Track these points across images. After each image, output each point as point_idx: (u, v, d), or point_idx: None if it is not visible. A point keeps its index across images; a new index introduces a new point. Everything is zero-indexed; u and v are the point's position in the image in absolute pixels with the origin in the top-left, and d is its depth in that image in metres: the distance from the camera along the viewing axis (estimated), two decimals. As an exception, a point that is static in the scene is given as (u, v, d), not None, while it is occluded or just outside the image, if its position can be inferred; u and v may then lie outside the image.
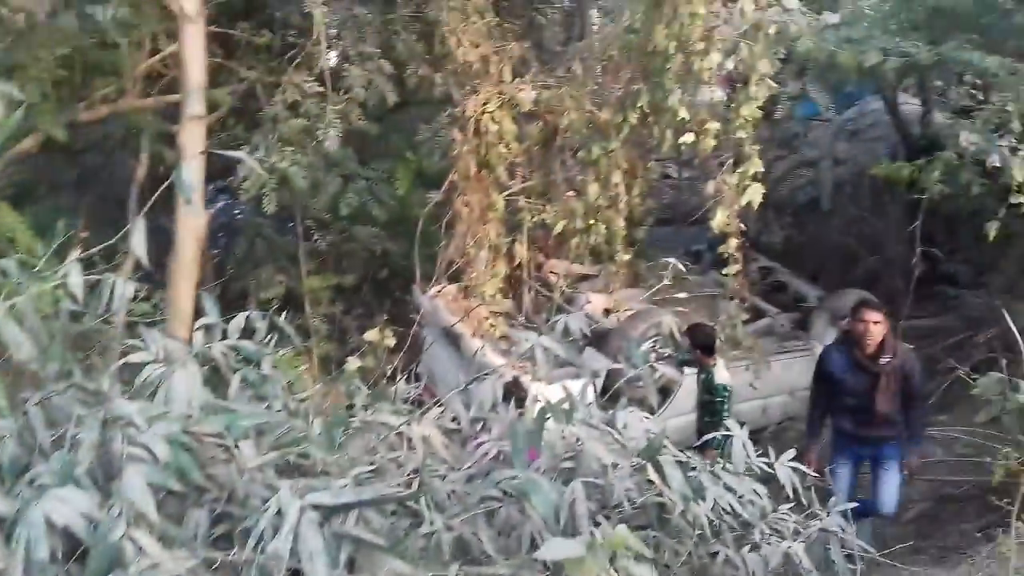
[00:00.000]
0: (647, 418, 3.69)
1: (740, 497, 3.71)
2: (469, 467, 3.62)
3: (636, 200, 8.06)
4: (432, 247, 7.34)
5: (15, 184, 6.97)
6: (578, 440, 3.34)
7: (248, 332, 3.46)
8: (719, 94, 6.48)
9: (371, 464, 3.36)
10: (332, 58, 7.10)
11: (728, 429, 6.24)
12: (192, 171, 6.55)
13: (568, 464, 3.43)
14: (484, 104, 6.19)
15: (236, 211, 9.43)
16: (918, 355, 8.45)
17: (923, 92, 9.78)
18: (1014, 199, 6.06)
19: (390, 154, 8.25)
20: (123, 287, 2.92)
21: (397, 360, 6.75)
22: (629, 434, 3.62)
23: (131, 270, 6.54)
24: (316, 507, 2.38)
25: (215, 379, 3.24)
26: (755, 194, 6.51)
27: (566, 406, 3.69)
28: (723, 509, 3.59)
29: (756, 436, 7.83)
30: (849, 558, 4.35)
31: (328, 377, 6.65)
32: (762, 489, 3.96)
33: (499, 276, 6.83)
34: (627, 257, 7.24)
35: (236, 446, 2.77)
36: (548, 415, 3.41)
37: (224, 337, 3.31)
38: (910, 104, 10.22)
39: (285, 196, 6.81)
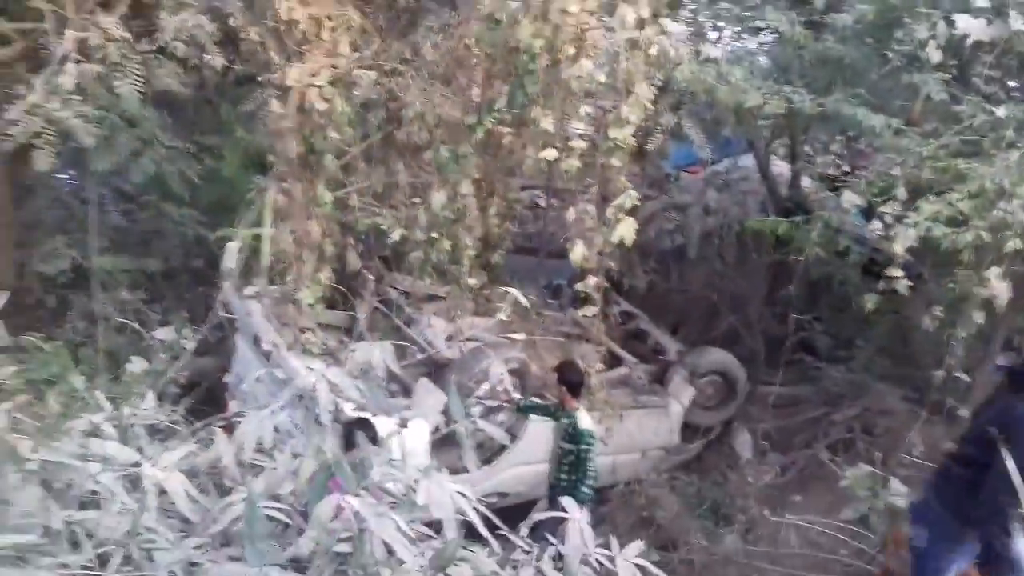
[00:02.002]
0: (460, 492, 2.83)
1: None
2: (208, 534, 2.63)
3: (493, 220, 7.26)
4: (257, 239, 6.21)
5: None
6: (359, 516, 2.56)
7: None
8: (587, 110, 5.74)
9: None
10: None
11: (594, 482, 5.53)
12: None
13: (343, 546, 2.59)
14: (312, 76, 5.16)
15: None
16: (774, 426, 8.08)
17: (793, 155, 9.53)
18: (889, 271, 5.59)
19: (223, 130, 7.10)
20: None
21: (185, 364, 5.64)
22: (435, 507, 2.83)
23: None
24: None
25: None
26: (627, 230, 5.79)
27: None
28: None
29: (603, 495, 7.15)
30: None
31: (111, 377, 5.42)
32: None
33: (320, 283, 5.75)
34: (475, 281, 6.31)
35: None
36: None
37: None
38: (779, 166, 9.98)
39: (71, 156, 5.55)
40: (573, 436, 5.85)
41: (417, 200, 5.98)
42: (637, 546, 3.42)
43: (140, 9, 6.12)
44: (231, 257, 5.76)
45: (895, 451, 7.14)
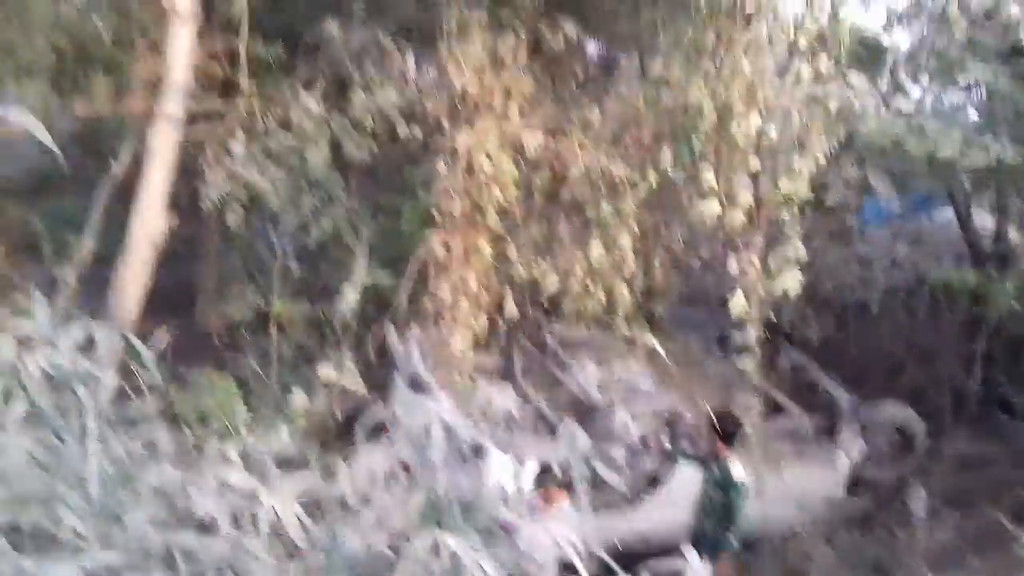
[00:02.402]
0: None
1: None
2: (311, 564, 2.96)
3: (657, 271, 7.46)
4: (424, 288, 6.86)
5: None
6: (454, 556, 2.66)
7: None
8: (756, 163, 5.86)
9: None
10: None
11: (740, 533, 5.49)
12: (157, 172, 6.31)
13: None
14: (480, 140, 5.73)
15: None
16: (955, 485, 7.52)
17: (1000, 204, 8.92)
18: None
19: (404, 191, 7.88)
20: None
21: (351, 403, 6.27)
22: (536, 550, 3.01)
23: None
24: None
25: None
26: (791, 281, 5.83)
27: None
28: None
29: (754, 547, 7.02)
30: None
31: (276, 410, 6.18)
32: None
33: (473, 330, 6.25)
34: (631, 331, 6.54)
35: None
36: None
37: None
38: (984, 219, 9.36)
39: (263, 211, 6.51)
40: (723, 485, 5.86)
41: (577, 253, 6.34)
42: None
43: (337, 86, 7.07)
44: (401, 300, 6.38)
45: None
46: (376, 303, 6.91)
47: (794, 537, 6.78)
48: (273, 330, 6.94)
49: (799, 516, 6.97)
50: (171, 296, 9.70)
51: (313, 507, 3.24)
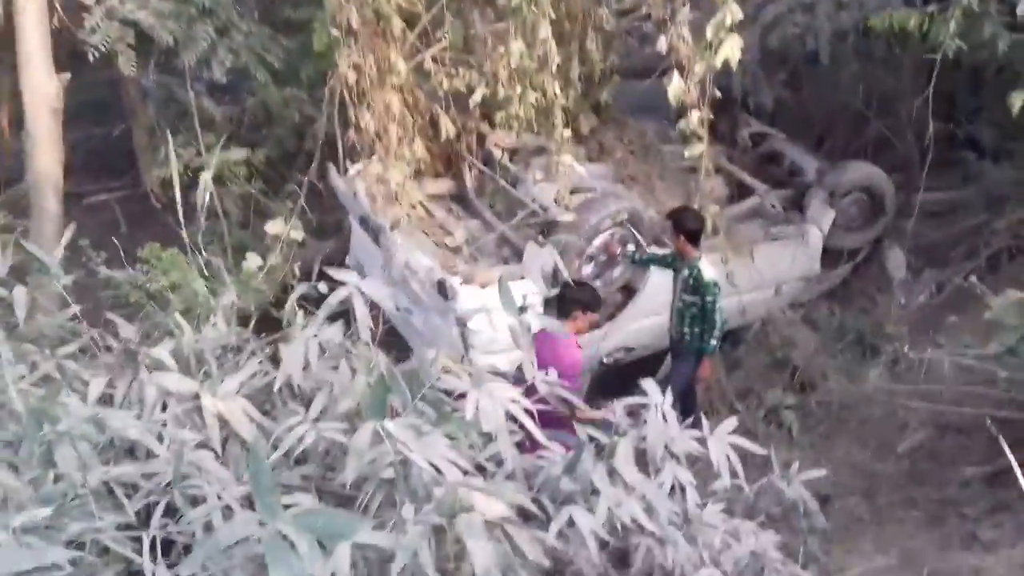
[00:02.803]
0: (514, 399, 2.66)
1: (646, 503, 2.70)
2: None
3: (594, 56, 6.70)
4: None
5: None
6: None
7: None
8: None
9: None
10: None
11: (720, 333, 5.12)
12: (31, 28, 5.38)
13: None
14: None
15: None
16: (932, 238, 7.36)
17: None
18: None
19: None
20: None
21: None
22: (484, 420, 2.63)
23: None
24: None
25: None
26: (731, 49, 5.16)
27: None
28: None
29: (736, 337, 6.87)
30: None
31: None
32: (686, 477, 2.96)
33: (407, 159, 5.55)
34: (567, 134, 5.89)
35: None
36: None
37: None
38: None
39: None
40: (696, 288, 5.58)
41: (498, 52, 5.55)
42: (731, 423, 3.23)
43: None
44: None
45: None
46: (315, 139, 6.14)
47: (773, 321, 6.62)
48: (209, 185, 6.21)
49: (777, 300, 6.80)
50: (112, 158, 8.85)
51: (263, 397, 2.99)
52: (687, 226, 5.58)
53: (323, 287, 2.97)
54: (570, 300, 4.88)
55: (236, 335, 3.38)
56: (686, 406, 5.76)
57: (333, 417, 2.73)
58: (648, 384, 3.11)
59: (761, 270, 6.52)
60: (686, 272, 5.62)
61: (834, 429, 6.18)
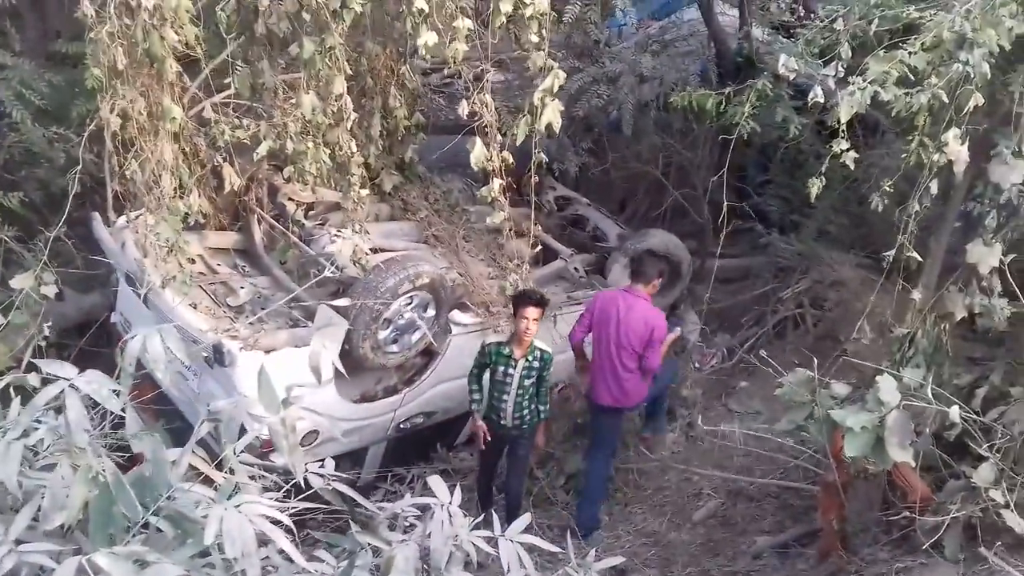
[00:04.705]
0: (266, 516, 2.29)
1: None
2: None
3: (399, 113, 6.47)
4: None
5: None
6: None
7: None
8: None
9: None
10: None
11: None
12: None
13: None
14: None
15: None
16: (724, 303, 7.60)
17: (741, 2, 8.61)
18: (836, 146, 4.91)
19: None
20: None
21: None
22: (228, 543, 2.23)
23: None
24: None
25: None
26: (553, 114, 5.09)
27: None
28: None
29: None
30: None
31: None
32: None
33: (181, 212, 5.03)
34: (364, 192, 5.59)
35: None
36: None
37: None
38: (728, 15, 9.06)
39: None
40: (540, 368, 5.43)
41: (292, 103, 5.18)
42: (525, 520, 3.01)
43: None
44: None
45: (846, 323, 6.73)
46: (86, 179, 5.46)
47: (574, 386, 6.55)
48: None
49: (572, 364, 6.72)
50: None
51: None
52: (537, 301, 5.33)
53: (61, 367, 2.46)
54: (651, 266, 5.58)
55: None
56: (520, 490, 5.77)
57: (46, 534, 2.24)
58: (434, 481, 2.82)
59: (563, 333, 6.42)
60: (529, 359, 5.39)
61: (632, 497, 6.15)
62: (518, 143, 5.24)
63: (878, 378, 4.15)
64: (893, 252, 5.09)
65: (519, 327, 5.30)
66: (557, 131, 5.23)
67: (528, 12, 4.81)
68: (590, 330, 5.73)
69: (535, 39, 5.01)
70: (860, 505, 4.68)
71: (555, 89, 5.07)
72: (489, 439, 5.53)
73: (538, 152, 5.38)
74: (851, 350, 5.52)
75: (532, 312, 5.24)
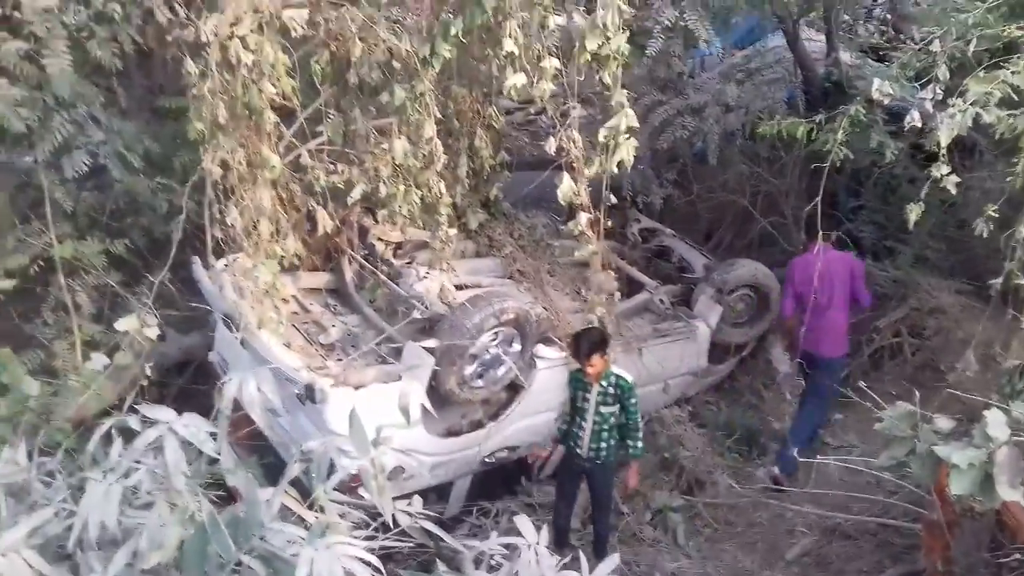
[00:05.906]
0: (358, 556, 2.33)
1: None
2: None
3: (484, 153, 6.56)
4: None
5: None
6: None
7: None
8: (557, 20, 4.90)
9: None
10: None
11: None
12: None
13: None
14: (232, 26, 4.47)
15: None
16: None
17: (828, 26, 8.46)
18: (936, 170, 4.74)
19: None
20: None
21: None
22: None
23: None
24: None
25: None
26: (626, 152, 5.07)
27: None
28: None
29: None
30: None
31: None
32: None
33: (278, 255, 5.20)
34: (452, 231, 5.69)
35: None
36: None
37: None
38: (815, 40, 8.93)
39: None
40: (618, 396, 5.33)
41: (383, 148, 5.32)
42: (613, 561, 2.97)
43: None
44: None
45: (947, 353, 6.46)
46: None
47: (661, 419, 6.45)
48: (60, 277, 5.69)
49: (664, 397, 6.65)
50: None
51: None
52: (595, 343, 5.31)
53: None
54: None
55: (38, 466, 2.91)
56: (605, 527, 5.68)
57: (143, 572, 2.34)
58: (521, 520, 2.82)
59: (649, 367, 6.37)
60: (603, 384, 5.35)
61: (721, 533, 6.00)
62: (584, 181, 5.23)
63: (986, 412, 3.96)
64: (1000, 280, 4.91)
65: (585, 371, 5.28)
66: (629, 167, 5.17)
67: (604, 51, 4.83)
68: (798, 298, 6.20)
69: (608, 80, 5.01)
70: (966, 545, 4.45)
71: (623, 128, 5.02)
72: (549, 459, 5.48)
73: (608, 192, 5.32)
74: (953, 381, 5.30)
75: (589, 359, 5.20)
